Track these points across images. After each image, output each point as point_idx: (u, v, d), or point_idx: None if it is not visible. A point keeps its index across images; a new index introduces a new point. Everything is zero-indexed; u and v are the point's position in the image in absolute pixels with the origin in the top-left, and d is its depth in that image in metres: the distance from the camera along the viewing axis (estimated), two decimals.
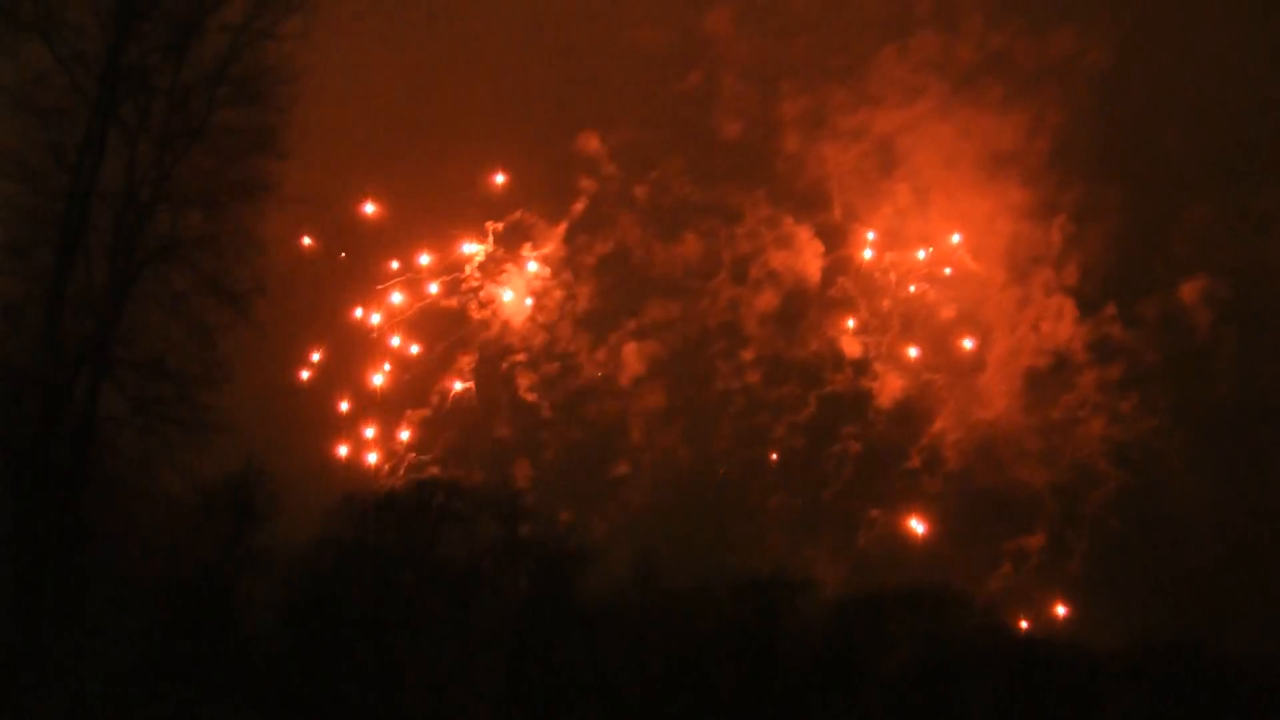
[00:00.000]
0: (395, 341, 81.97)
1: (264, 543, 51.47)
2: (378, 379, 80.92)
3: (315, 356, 79.92)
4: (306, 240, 79.82)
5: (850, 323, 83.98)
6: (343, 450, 79.42)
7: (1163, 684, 55.94)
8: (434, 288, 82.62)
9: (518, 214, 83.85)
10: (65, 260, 37.50)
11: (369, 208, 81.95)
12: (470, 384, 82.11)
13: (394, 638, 53.11)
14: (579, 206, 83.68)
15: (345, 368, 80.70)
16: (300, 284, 75.29)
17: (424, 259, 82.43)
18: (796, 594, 60.61)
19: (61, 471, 38.23)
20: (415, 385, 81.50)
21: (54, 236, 37.51)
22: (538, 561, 59.05)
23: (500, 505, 62.43)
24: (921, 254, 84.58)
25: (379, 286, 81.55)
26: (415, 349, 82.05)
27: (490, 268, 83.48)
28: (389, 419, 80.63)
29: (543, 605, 57.82)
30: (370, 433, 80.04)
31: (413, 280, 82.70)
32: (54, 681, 38.95)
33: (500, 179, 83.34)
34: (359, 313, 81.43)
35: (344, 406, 79.95)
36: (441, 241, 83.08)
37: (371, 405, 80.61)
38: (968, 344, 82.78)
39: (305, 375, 79.52)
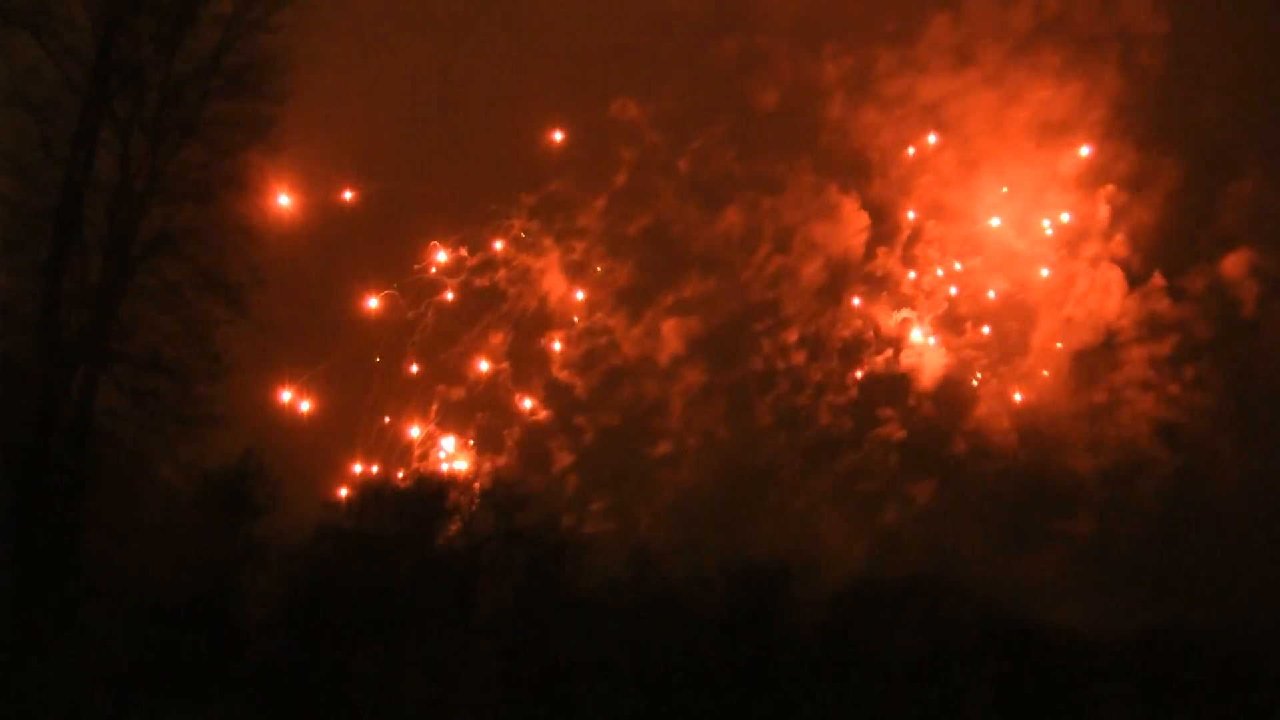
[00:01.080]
0: (427, 322, 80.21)
1: (262, 535, 51.50)
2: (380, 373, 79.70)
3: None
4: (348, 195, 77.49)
5: (892, 299, 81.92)
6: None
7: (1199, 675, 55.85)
8: (465, 267, 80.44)
9: (553, 186, 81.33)
10: (59, 255, 37.31)
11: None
12: (504, 364, 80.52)
13: (393, 628, 53.15)
14: (616, 178, 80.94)
15: (368, 353, 78.82)
16: (306, 274, 73.53)
17: (454, 238, 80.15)
18: (797, 582, 60.70)
19: (59, 466, 38.11)
20: (447, 366, 79.82)
21: (47, 231, 37.31)
22: (535, 550, 59.11)
23: (498, 495, 62.54)
24: (967, 226, 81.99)
25: (415, 266, 79.76)
26: (448, 328, 79.92)
27: (525, 242, 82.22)
28: (420, 401, 79.34)
29: (541, 594, 57.91)
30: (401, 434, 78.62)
31: (445, 258, 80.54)
32: (53, 675, 38.95)
33: (539, 148, 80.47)
34: (370, 305, 79.51)
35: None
36: (474, 217, 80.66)
37: (401, 387, 79.28)
38: (1012, 319, 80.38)
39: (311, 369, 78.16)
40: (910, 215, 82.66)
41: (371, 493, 58.19)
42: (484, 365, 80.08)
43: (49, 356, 37.17)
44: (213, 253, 39.38)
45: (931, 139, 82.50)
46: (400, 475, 67.97)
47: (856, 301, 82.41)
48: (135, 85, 38.75)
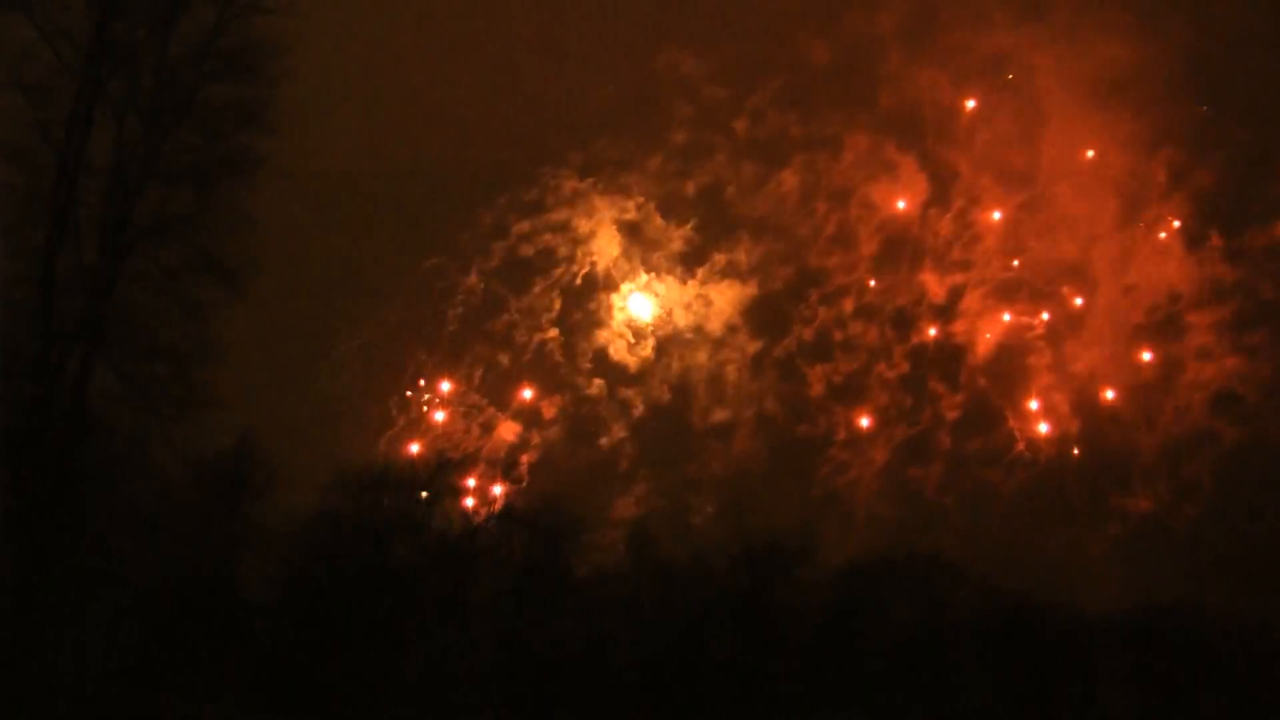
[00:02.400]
0: (471, 289, 78.81)
1: (259, 518, 51.51)
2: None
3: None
4: None
5: (949, 263, 79.50)
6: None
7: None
8: (512, 231, 78.78)
9: (603, 143, 79.68)
10: (54, 239, 37.07)
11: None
12: (553, 332, 78.67)
13: (390, 611, 53.21)
14: (668, 135, 79.09)
15: (406, 326, 76.96)
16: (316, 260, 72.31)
17: (503, 199, 78.84)
18: (796, 563, 60.78)
19: (54, 451, 37.97)
20: (495, 334, 78.53)
21: (43, 215, 37.08)
22: (533, 533, 59.13)
23: (497, 478, 62.53)
24: (1027, 188, 78.69)
25: (464, 235, 77.74)
26: (494, 296, 78.78)
27: (577, 203, 80.00)
28: (461, 371, 77.48)
29: (539, 576, 57.97)
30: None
31: (493, 222, 79.45)
32: (52, 661, 38.98)
33: (588, 104, 79.06)
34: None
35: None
36: (522, 178, 79.24)
37: (442, 357, 77.55)
38: (1071, 284, 77.71)
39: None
40: (968, 176, 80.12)
41: (370, 476, 58.07)
42: (527, 332, 78.39)
43: (45, 341, 36.97)
44: (209, 236, 39.14)
45: (990, 96, 79.55)
46: (414, 449, 67.68)
47: (913, 266, 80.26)
48: (130, 68, 38.45)
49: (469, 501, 60.91)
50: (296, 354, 75.14)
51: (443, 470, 58.97)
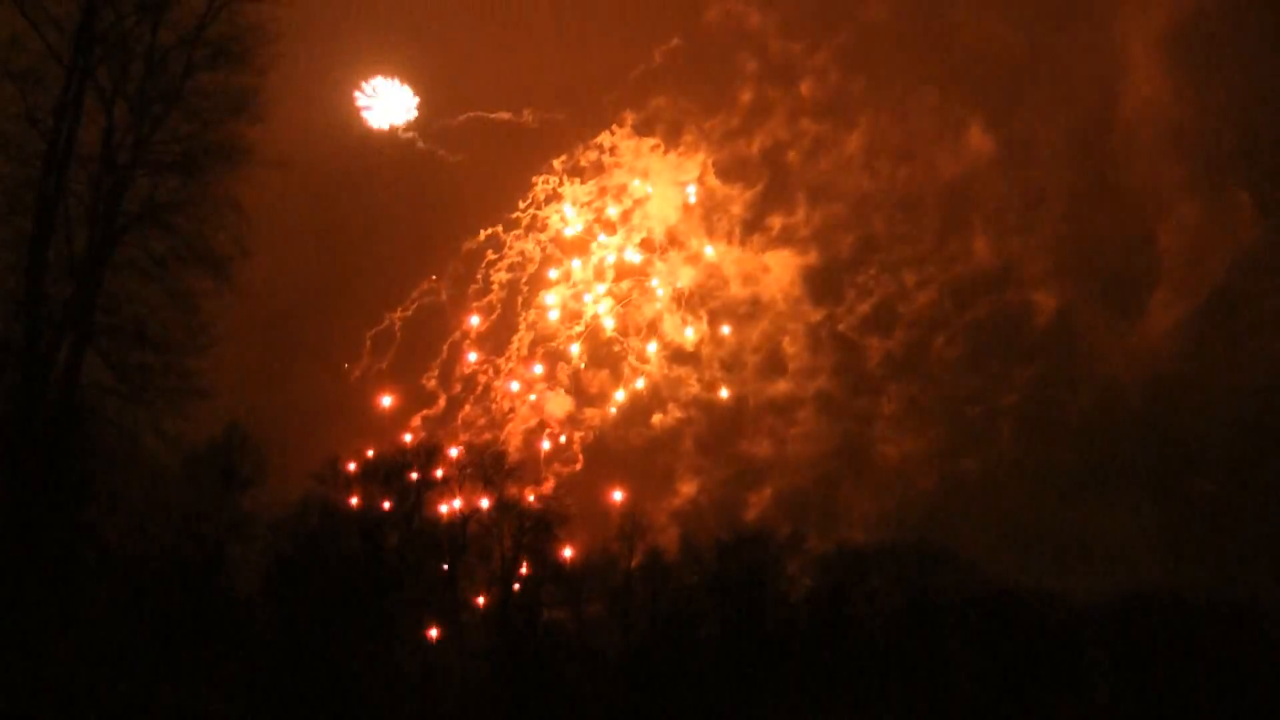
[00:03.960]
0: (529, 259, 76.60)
1: (250, 506, 51.46)
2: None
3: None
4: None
5: (1008, 230, 75.60)
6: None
7: None
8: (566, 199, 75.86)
9: (659, 101, 76.67)
10: (43, 227, 36.91)
11: None
12: (606, 303, 76.70)
13: (382, 598, 53.23)
14: (728, 94, 76.18)
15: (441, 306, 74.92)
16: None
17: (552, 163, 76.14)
18: (786, 552, 60.91)
19: (46, 440, 37.85)
20: (543, 306, 76.20)
21: (31, 203, 36.91)
22: (523, 521, 59.18)
23: (485, 467, 62.44)
24: (1097, 151, 74.24)
25: (521, 206, 75.73)
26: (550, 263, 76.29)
27: (631, 165, 77.13)
28: (497, 343, 75.41)
29: (529, 564, 58.04)
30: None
31: (545, 188, 77.09)
32: (43, 646, 38.90)
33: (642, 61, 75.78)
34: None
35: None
36: (576, 140, 76.54)
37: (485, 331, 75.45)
38: (1135, 253, 73.49)
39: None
40: (1035, 137, 76.07)
41: (360, 465, 58.10)
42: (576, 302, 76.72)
43: (33, 330, 36.82)
44: (198, 224, 39.00)
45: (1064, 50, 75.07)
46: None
47: (972, 233, 76.85)
48: (119, 55, 38.24)
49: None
50: (292, 342, 74.04)
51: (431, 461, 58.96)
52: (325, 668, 49.68)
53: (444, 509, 59.72)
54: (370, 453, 60.22)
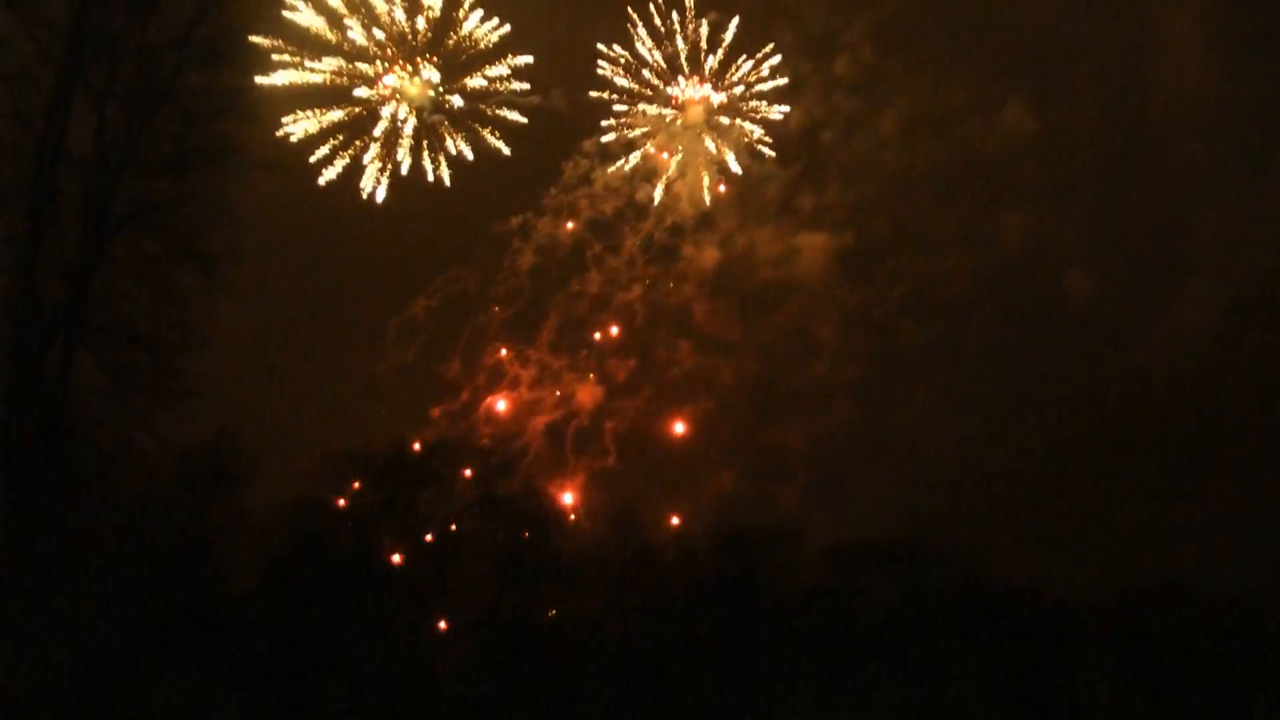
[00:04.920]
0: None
1: (242, 506, 51.44)
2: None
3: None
4: None
5: (1046, 213, 72.61)
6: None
7: None
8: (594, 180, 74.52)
9: (692, 80, 73.44)
10: (35, 227, 36.93)
11: None
12: (635, 290, 74.79)
13: (373, 599, 53.28)
14: (761, 73, 73.69)
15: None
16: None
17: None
18: (780, 545, 60.91)
19: (37, 439, 37.86)
20: (574, 293, 75.00)
21: (22, 203, 36.92)
22: (516, 518, 59.20)
23: (477, 463, 62.46)
24: (1142, 132, 70.79)
25: (554, 190, 75.00)
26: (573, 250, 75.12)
27: (664, 142, 74.88)
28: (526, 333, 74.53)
29: (522, 561, 58.07)
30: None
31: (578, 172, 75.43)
32: (35, 647, 38.88)
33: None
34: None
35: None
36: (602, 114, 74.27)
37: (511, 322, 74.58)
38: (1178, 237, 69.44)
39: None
40: (1076, 116, 73.45)
41: (350, 463, 58.05)
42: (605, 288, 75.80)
43: (24, 330, 36.83)
44: (189, 224, 39.03)
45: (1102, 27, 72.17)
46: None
47: (1009, 217, 73.95)
48: (109, 55, 38.24)
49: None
50: (292, 340, 72.95)
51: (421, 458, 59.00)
52: (317, 667, 49.73)
53: (439, 505, 59.59)
54: (362, 450, 60.36)
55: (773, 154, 73.71)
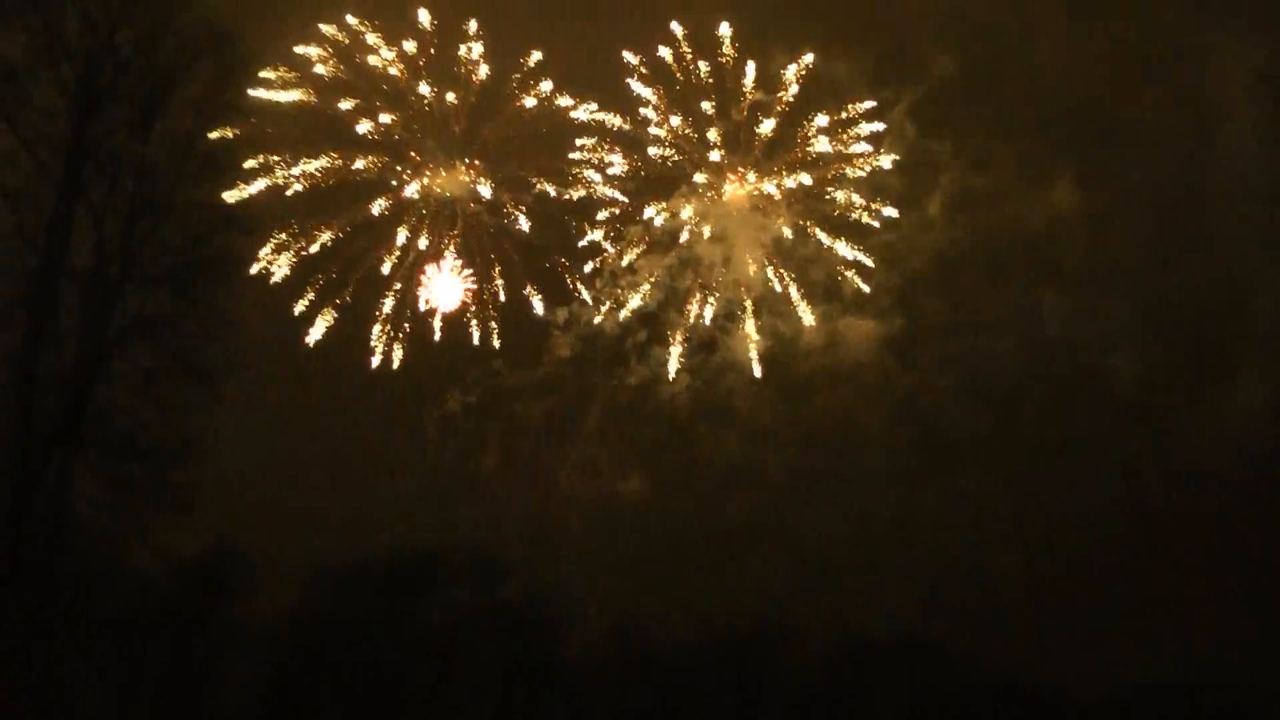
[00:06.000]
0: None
1: (240, 617, 51.03)
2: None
3: None
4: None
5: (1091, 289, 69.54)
6: None
7: None
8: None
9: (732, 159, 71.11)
10: (33, 341, 37.17)
11: None
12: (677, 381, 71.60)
13: (376, 708, 52.68)
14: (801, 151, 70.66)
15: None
16: None
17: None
18: (780, 645, 60.24)
19: (34, 551, 37.76)
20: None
21: (21, 318, 37.19)
22: (517, 626, 58.64)
23: (477, 569, 61.94)
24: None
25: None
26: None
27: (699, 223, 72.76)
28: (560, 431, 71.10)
29: (524, 668, 57.45)
30: None
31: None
32: None
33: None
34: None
35: None
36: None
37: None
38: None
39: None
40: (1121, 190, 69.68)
41: (350, 570, 57.55)
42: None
43: (23, 443, 36.87)
44: (187, 338, 39.22)
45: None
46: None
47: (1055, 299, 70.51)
48: (109, 171, 38.75)
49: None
50: (291, 449, 71.42)
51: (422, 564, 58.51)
52: None
53: (435, 612, 58.91)
54: (362, 557, 59.35)
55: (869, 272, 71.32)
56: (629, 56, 68.33)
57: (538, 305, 67.63)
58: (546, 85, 66.73)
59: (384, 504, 65.64)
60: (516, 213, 67.54)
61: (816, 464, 69.45)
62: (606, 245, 69.11)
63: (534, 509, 68.70)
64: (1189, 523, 63.91)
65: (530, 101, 66.56)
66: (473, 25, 65.61)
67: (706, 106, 68.70)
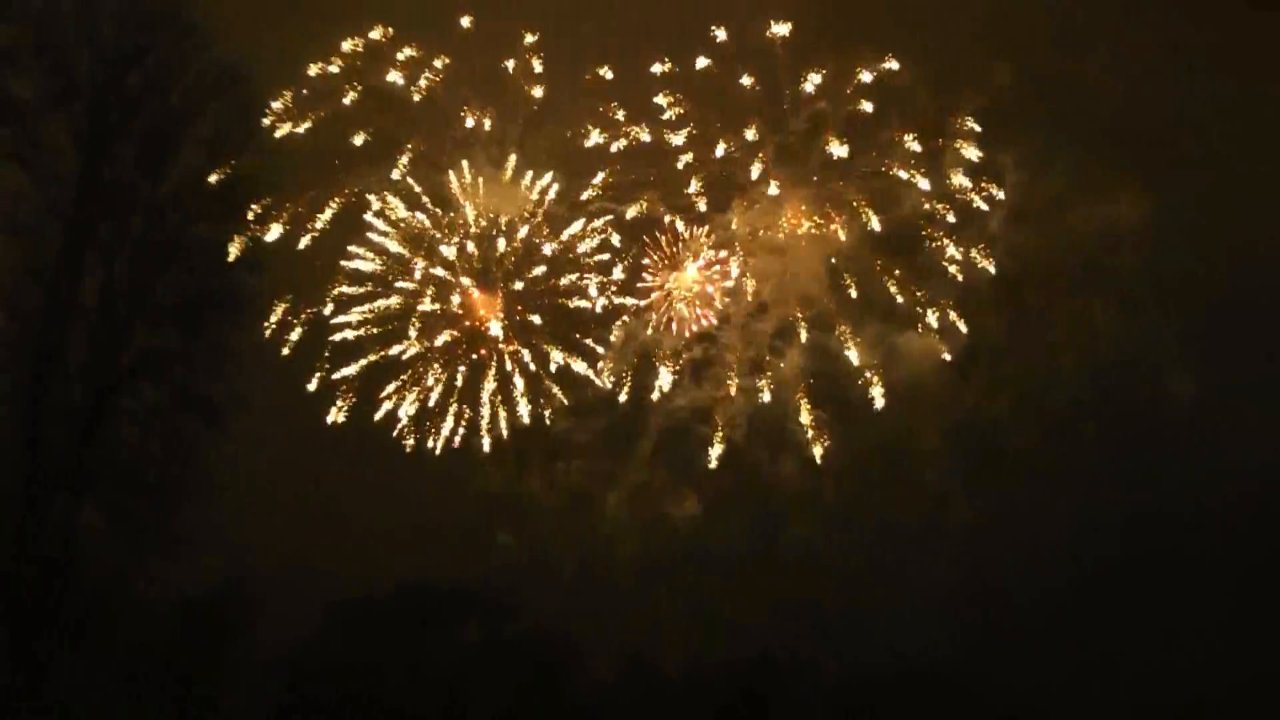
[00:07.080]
0: None
1: (246, 654, 50.86)
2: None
3: None
4: None
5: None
6: None
7: None
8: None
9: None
10: (41, 379, 37.36)
11: None
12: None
13: None
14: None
15: None
16: None
17: None
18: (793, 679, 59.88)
19: (39, 589, 37.81)
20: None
21: (29, 356, 37.39)
22: (526, 663, 58.40)
23: (486, 604, 61.77)
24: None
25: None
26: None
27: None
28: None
29: (537, 705, 57.17)
30: None
31: None
32: None
33: None
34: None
35: None
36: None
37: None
38: None
39: None
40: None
41: (354, 609, 57.41)
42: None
43: (30, 480, 37.00)
44: (194, 374, 39.37)
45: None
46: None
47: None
48: (119, 209, 39.00)
49: None
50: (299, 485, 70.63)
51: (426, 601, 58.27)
52: None
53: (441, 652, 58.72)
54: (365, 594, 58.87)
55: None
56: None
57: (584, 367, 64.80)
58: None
59: (424, 531, 65.26)
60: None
61: (868, 492, 67.65)
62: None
63: (581, 535, 68.04)
64: (1245, 551, 62.27)
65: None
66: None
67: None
